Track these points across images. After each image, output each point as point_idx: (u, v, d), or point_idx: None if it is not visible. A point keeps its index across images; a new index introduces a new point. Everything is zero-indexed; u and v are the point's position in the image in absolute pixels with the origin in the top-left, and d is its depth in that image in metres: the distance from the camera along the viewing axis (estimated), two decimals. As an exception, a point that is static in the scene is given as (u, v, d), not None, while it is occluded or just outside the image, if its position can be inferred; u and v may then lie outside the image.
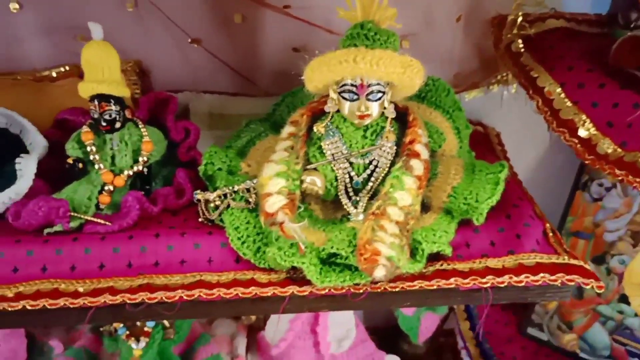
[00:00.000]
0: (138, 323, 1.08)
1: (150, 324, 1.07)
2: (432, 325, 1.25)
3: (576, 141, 0.83)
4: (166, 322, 1.09)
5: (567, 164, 1.10)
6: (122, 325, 1.07)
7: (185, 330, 1.14)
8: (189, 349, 1.15)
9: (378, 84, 0.74)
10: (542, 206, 0.95)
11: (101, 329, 1.11)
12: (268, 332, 1.16)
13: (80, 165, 0.81)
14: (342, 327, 1.19)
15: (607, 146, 0.80)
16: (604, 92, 0.82)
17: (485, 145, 1.02)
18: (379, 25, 0.75)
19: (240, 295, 0.72)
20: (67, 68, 0.95)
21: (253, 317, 1.19)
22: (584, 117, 0.82)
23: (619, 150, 0.79)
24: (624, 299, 1.08)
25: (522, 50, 0.93)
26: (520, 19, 0.91)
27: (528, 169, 1.18)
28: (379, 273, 0.68)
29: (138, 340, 1.06)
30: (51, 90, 0.95)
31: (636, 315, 1.07)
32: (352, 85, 0.73)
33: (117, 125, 0.80)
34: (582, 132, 0.82)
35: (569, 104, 0.84)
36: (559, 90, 0.85)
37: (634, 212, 1.04)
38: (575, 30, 0.94)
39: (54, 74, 0.96)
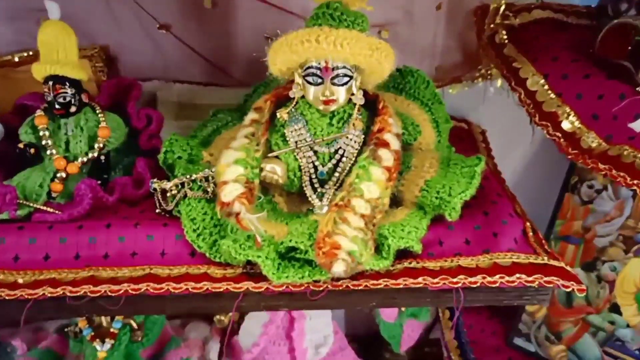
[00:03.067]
0: (104, 324, 1.03)
1: (116, 325, 1.02)
2: (414, 333, 1.20)
3: (559, 135, 0.78)
4: (134, 324, 1.04)
5: (555, 165, 1.05)
6: (87, 325, 1.03)
7: (156, 333, 1.09)
8: (158, 353, 1.10)
9: (344, 67, 0.69)
10: (530, 208, 0.90)
11: (66, 329, 1.06)
12: (241, 337, 1.11)
13: (32, 150, 0.77)
14: (320, 333, 1.14)
15: (591, 140, 0.75)
16: (589, 82, 0.77)
17: (468, 142, 0.98)
18: (349, 7, 0.71)
19: (190, 290, 0.67)
20: (31, 53, 0.92)
21: (226, 320, 1.14)
22: (567, 109, 0.78)
23: (604, 144, 0.74)
24: (615, 308, 1.02)
25: (506, 41, 0.89)
26: (503, 7, 0.86)
27: (515, 168, 1.14)
28: (338, 268, 0.64)
29: (103, 342, 1.02)
30: (14, 75, 0.92)
31: (628, 325, 1.01)
32: (316, 68, 0.69)
33: (73, 109, 0.76)
34: (566, 125, 0.78)
35: (552, 95, 0.80)
36: (542, 81, 0.81)
37: (625, 216, 0.99)
38: (562, 22, 0.90)
39: (17, 59, 0.92)
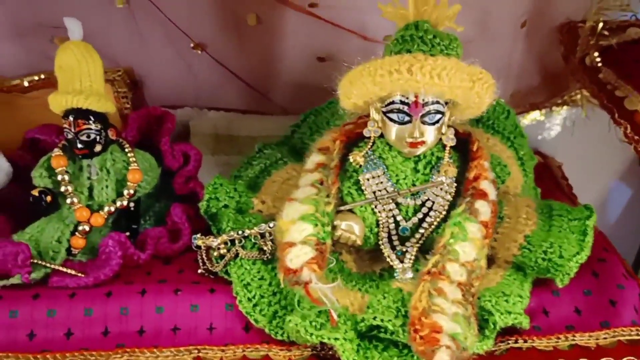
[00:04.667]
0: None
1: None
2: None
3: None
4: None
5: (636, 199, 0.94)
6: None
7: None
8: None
9: (437, 102, 0.59)
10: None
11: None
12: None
13: (49, 198, 0.66)
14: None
15: None
16: None
17: (547, 179, 0.87)
18: (436, 27, 0.61)
19: (250, 379, 0.55)
20: (42, 77, 0.84)
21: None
22: (685, 147, 0.66)
23: None
24: None
25: (599, 64, 0.77)
26: (600, 25, 0.74)
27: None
28: (442, 358, 0.51)
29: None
30: (22, 102, 0.83)
31: None
32: (402, 103, 0.59)
33: (98, 148, 0.67)
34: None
35: (667, 131, 0.67)
36: (654, 113, 0.69)
37: None
38: (665, 40, 0.78)
39: (26, 84, 0.84)
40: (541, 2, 0.81)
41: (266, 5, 0.77)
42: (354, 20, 0.78)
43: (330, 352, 0.58)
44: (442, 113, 0.59)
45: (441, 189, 0.61)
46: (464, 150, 0.65)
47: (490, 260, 0.65)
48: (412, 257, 0.63)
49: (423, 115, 0.59)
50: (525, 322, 0.59)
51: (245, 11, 0.78)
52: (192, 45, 0.81)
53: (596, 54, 0.79)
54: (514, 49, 0.83)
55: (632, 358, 0.58)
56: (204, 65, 0.83)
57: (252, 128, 0.86)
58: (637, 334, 0.60)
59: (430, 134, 0.60)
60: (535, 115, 0.87)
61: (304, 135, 0.79)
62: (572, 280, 0.64)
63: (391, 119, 0.59)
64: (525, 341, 0.60)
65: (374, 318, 0.56)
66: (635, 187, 0.96)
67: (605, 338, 0.60)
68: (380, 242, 0.63)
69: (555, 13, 0.81)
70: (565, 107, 0.84)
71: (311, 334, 0.56)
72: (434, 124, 0.59)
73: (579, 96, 0.84)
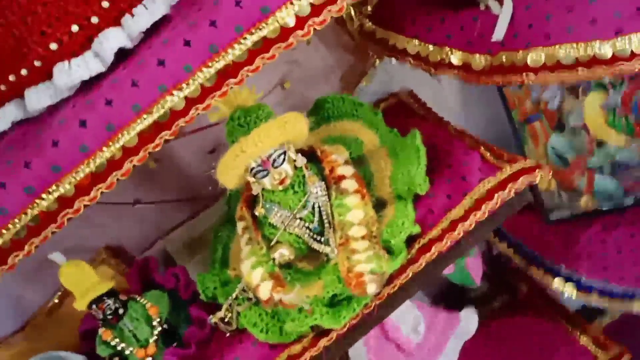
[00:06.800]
0: None
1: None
2: (478, 265, 1.32)
3: (456, 71, 0.90)
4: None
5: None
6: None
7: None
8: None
9: (275, 151, 0.81)
10: (489, 124, 1.01)
11: None
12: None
13: (117, 359, 0.93)
14: (408, 317, 1.27)
15: (478, 60, 0.87)
16: (448, 23, 0.89)
17: (404, 111, 1.09)
18: (246, 106, 0.84)
19: (287, 377, 0.81)
20: (63, 289, 1.06)
21: None
22: (447, 49, 0.90)
23: (490, 57, 0.86)
24: (601, 144, 1.14)
25: (373, 27, 1.01)
26: (353, 12, 0.99)
27: (455, 105, 1.25)
28: (371, 289, 0.77)
29: None
30: (62, 313, 1.07)
31: (619, 148, 1.13)
32: (258, 166, 0.82)
33: (121, 311, 0.91)
34: (455, 60, 0.89)
35: (431, 47, 0.92)
36: (417, 42, 0.93)
37: (557, 74, 1.10)
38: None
39: (56, 300, 1.08)
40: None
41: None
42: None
43: (322, 328, 0.80)
44: (284, 152, 0.81)
45: (317, 193, 0.84)
46: (317, 157, 0.87)
47: (384, 203, 0.87)
48: (333, 240, 0.85)
49: (273, 163, 0.80)
50: (415, 230, 0.82)
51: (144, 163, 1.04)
52: (132, 204, 1.06)
53: (367, 20, 1.03)
54: (320, 56, 1.07)
55: (486, 203, 0.83)
56: (148, 210, 1.06)
57: (204, 223, 1.09)
58: (484, 187, 0.82)
59: (285, 170, 0.81)
60: (368, 77, 1.11)
61: (234, 205, 0.98)
62: (437, 180, 0.86)
63: (258, 178, 0.82)
64: (424, 238, 0.82)
65: (329, 292, 0.80)
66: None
67: (467, 203, 0.82)
68: (310, 244, 0.86)
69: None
70: (378, 61, 1.09)
71: (302, 326, 0.79)
72: (283, 162, 0.81)
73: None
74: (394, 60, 1.08)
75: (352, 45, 1.07)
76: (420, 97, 1.11)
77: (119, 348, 0.92)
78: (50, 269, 0.93)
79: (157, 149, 0.65)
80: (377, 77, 1.14)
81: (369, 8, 1.01)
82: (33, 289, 1.07)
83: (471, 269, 1.32)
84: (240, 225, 0.89)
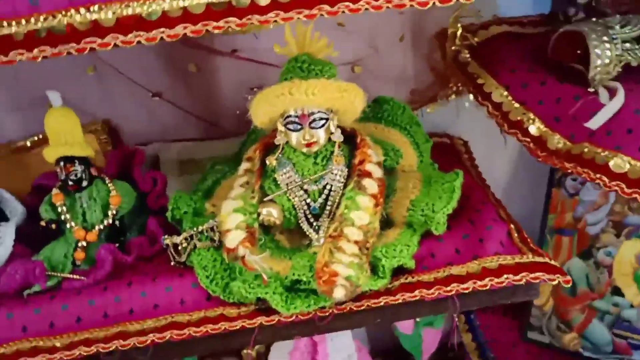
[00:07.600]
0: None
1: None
2: (433, 340, 1.25)
3: (528, 140, 0.84)
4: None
5: (539, 164, 1.11)
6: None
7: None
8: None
9: (319, 111, 0.76)
10: (523, 209, 0.95)
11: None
12: (270, 367, 1.17)
13: (54, 225, 0.85)
14: (343, 352, 1.19)
15: (557, 141, 0.81)
16: (546, 89, 0.84)
17: (452, 156, 1.04)
18: (315, 56, 0.78)
19: (210, 331, 0.74)
20: (40, 137, 1.00)
21: (253, 353, 1.20)
22: (531, 115, 0.84)
23: (568, 143, 0.80)
24: (617, 291, 1.07)
25: (469, 59, 0.95)
26: (459, 31, 0.93)
27: (501, 174, 1.19)
28: (339, 294, 0.70)
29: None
30: (27, 159, 1.00)
31: (632, 306, 1.06)
32: (294, 116, 0.76)
33: (84, 183, 0.84)
34: (533, 130, 0.84)
35: (516, 105, 0.86)
36: (505, 93, 0.87)
37: (611, 202, 1.04)
38: (518, 33, 0.97)
39: (29, 144, 1.00)
40: (417, 17, 0.98)
41: (200, 56, 0.96)
42: (273, 56, 0.98)
43: (268, 305, 0.73)
44: (326, 119, 0.76)
45: (335, 174, 0.78)
46: (355, 144, 0.81)
47: (392, 223, 0.81)
48: (325, 229, 0.79)
49: (311, 123, 0.75)
50: (410, 264, 0.75)
51: (186, 62, 0.97)
52: (151, 94, 1.00)
53: (466, 51, 0.98)
54: (404, 58, 1.02)
55: (492, 278, 0.76)
56: (163, 109, 1.01)
57: (210, 151, 1.02)
58: (497, 261, 0.76)
59: (320, 136, 0.76)
60: (436, 105, 1.06)
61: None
62: (454, 228, 0.80)
63: (289, 129, 0.76)
64: (413, 277, 0.76)
65: (294, 274, 0.73)
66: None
67: (472, 267, 0.76)
68: (300, 221, 0.80)
69: (431, 24, 0.99)
70: (455, 96, 1.03)
71: (249, 292, 0.73)
72: (320, 127, 0.76)
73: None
74: (469, 102, 1.02)
75: (439, 66, 1.01)
76: (473, 150, 1.04)
77: (62, 217, 0.85)
78: (40, 109, 0.87)
79: (216, 30, 0.57)
80: (442, 111, 1.08)
81: (476, 40, 0.95)
82: (13, 120, 1.00)
83: (425, 341, 1.24)
84: (244, 166, 0.82)
